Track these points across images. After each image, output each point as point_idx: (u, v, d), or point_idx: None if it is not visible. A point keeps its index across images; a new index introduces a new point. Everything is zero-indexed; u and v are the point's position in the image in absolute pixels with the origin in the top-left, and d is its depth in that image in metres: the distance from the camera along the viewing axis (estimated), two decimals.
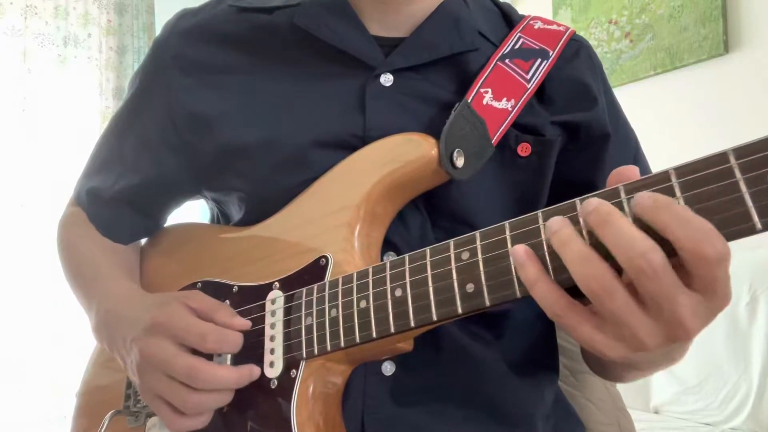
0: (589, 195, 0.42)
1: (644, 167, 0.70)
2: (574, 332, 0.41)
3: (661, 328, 0.38)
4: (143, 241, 0.79)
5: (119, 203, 0.74)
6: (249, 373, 0.56)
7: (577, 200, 0.42)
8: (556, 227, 0.40)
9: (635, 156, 0.70)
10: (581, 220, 0.40)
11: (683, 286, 0.37)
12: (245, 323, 0.57)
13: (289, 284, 0.58)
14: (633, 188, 0.40)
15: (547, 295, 0.41)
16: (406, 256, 0.50)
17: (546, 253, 0.42)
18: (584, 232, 0.40)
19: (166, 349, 0.55)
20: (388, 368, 0.59)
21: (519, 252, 0.42)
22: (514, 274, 0.44)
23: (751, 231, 0.36)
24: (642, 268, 0.36)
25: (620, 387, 0.84)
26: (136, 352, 0.57)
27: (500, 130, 0.60)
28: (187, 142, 0.68)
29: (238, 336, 0.57)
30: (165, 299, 0.60)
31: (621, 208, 0.40)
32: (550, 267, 0.42)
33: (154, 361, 0.56)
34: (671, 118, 2.28)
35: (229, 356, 0.59)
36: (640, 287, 0.37)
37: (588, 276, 0.38)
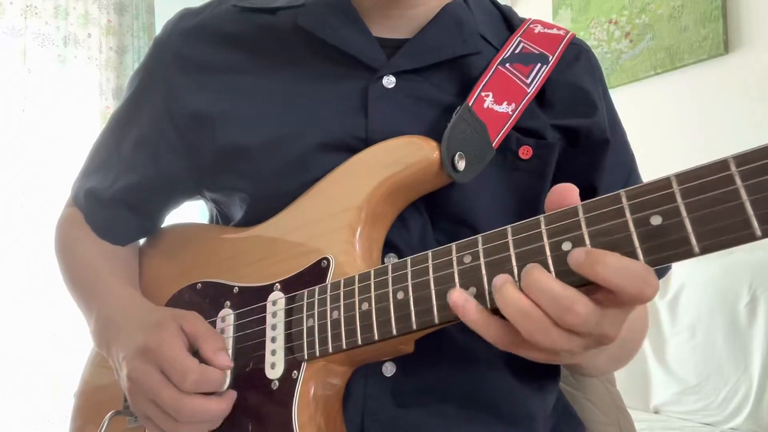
0: (591, 200, 0.42)
1: (636, 173, 0.71)
2: (519, 354, 0.46)
3: (590, 342, 0.43)
4: (142, 240, 0.79)
5: (117, 204, 0.74)
6: (233, 399, 0.57)
7: (579, 205, 0.43)
8: (498, 284, 0.44)
9: (630, 159, 0.71)
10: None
11: (606, 313, 0.42)
12: (226, 363, 0.57)
13: (290, 285, 0.58)
14: (635, 194, 0.40)
15: (497, 334, 0.45)
16: (408, 259, 0.51)
17: (548, 257, 0.43)
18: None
19: (153, 377, 0.56)
20: (389, 369, 0.59)
21: (454, 298, 0.45)
22: (517, 277, 0.44)
23: (751, 238, 0.36)
24: (571, 322, 0.41)
25: (620, 387, 0.84)
26: (126, 372, 0.58)
27: (501, 133, 0.60)
28: (188, 143, 0.68)
29: (219, 376, 0.56)
30: (162, 320, 0.59)
31: (623, 215, 0.40)
32: (553, 270, 0.43)
33: (141, 387, 0.56)
34: (671, 118, 2.28)
35: (229, 355, 0.60)
36: (571, 329, 0.42)
37: (531, 331, 0.42)
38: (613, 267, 0.39)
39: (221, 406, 0.56)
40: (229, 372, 0.59)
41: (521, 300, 0.42)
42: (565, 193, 0.44)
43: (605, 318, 0.42)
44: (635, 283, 0.39)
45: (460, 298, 0.45)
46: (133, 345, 0.58)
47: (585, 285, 0.42)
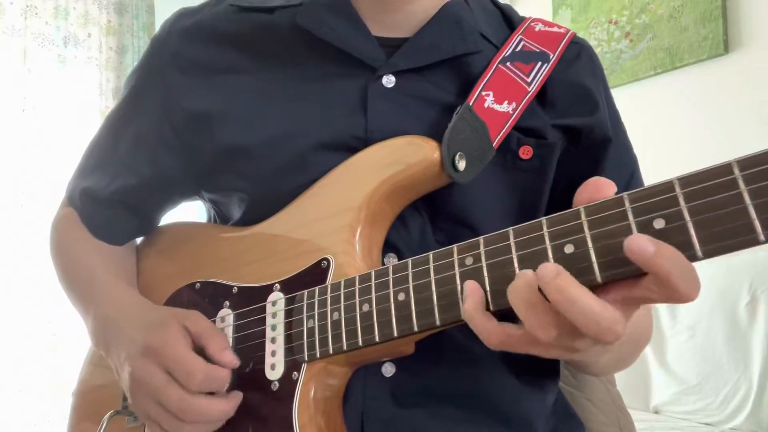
0: (594, 203, 0.42)
1: (638, 173, 0.71)
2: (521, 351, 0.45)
3: (595, 341, 0.42)
4: (139, 240, 0.79)
5: (114, 204, 0.73)
6: (239, 400, 0.57)
7: (581, 208, 0.42)
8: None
9: (632, 159, 0.71)
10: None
11: (627, 315, 0.41)
12: (233, 362, 0.57)
13: (290, 286, 0.58)
14: (637, 197, 0.40)
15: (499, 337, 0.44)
16: (410, 261, 0.50)
17: (550, 260, 0.42)
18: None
19: (157, 377, 0.55)
20: (388, 369, 0.59)
21: (468, 305, 0.44)
22: None
23: (755, 242, 0.36)
24: (608, 341, 0.40)
25: (620, 387, 0.84)
26: (128, 372, 0.58)
27: (501, 133, 0.60)
28: (186, 142, 0.68)
29: (225, 374, 0.56)
30: (165, 319, 0.59)
31: (626, 218, 0.40)
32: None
33: (145, 387, 0.56)
34: (671, 118, 2.28)
35: None
36: (596, 340, 0.41)
37: (535, 324, 0.41)
38: (675, 263, 0.37)
39: (226, 406, 0.56)
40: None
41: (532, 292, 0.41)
42: (600, 186, 0.43)
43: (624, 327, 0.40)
44: (693, 286, 0.38)
45: (471, 286, 0.45)
46: (135, 344, 0.58)
47: (595, 286, 0.41)
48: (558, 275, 0.39)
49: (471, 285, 0.45)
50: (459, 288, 0.47)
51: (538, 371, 0.65)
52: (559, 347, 0.42)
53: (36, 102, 2.88)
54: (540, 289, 0.40)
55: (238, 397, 0.57)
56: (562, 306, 0.39)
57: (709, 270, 1.93)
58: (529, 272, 0.41)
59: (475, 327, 0.44)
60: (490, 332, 0.44)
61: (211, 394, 0.56)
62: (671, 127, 2.27)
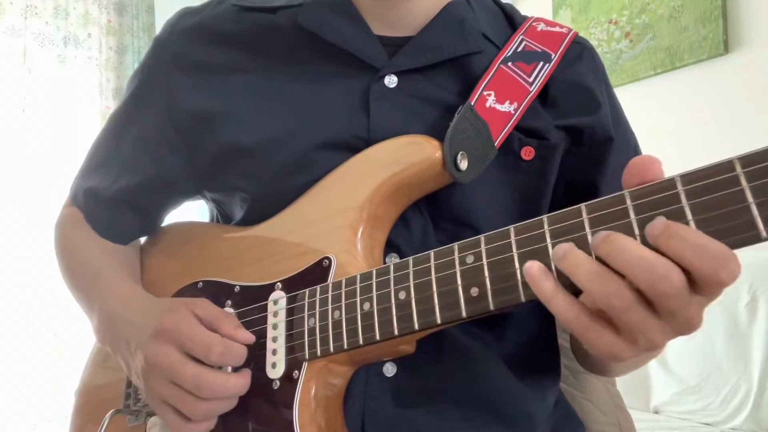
0: (595, 201, 0.42)
1: None
2: (593, 342, 0.41)
3: (672, 329, 0.40)
4: (143, 239, 0.79)
5: (117, 203, 0.74)
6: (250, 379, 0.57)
7: (582, 206, 0.42)
8: (562, 252, 0.40)
9: (635, 155, 0.71)
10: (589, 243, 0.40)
11: (694, 294, 0.38)
12: (249, 337, 0.57)
13: (291, 285, 0.58)
14: (639, 195, 0.40)
15: (567, 309, 0.41)
16: (410, 259, 0.50)
17: (551, 258, 0.42)
18: (593, 254, 0.40)
19: (172, 356, 0.55)
20: (390, 369, 0.59)
21: (533, 269, 0.42)
22: (519, 278, 0.44)
23: (757, 239, 0.36)
24: (664, 291, 0.37)
25: (620, 387, 0.84)
26: (141, 358, 0.57)
27: (503, 132, 0.60)
28: (188, 142, 0.68)
29: (243, 349, 0.56)
30: (173, 305, 0.59)
31: (627, 216, 0.40)
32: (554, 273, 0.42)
33: (159, 369, 0.56)
34: (671, 118, 2.28)
35: None
36: (658, 303, 0.38)
37: (608, 293, 0.39)
38: (691, 243, 0.37)
39: (241, 381, 0.55)
40: (229, 371, 0.59)
41: (591, 263, 0.39)
42: (645, 165, 0.41)
43: (694, 300, 0.39)
44: (712, 264, 0.36)
45: (536, 268, 0.41)
46: (146, 331, 0.58)
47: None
48: (609, 234, 0.39)
49: (536, 267, 0.41)
50: (460, 287, 0.46)
51: (539, 372, 0.65)
52: (631, 324, 0.39)
53: (36, 102, 2.88)
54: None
55: (248, 374, 0.57)
56: (616, 257, 0.38)
57: None
58: (574, 246, 0.40)
59: (557, 308, 0.41)
60: (579, 312, 0.40)
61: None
62: (671, 127, 2.27)
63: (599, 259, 0.39)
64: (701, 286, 0.38)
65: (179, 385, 0.55)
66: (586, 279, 0.39)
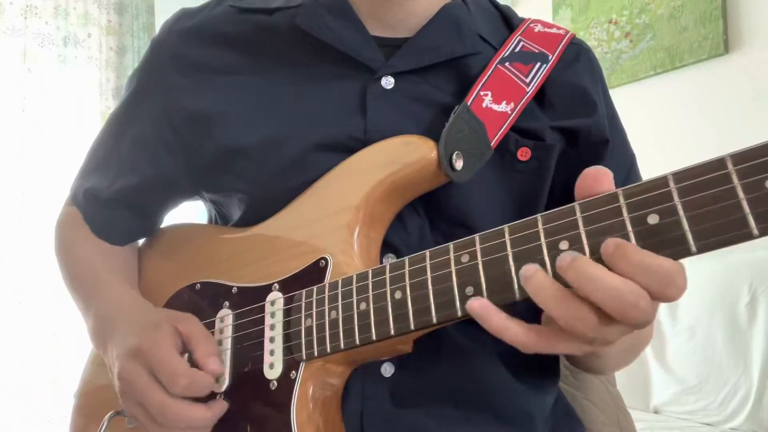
0: (589, 200, 0.42)
1: (636, 173, 0.71)
2: (551, 352, 0.44)
3: (626, 329, 0.42)
4: (141, 241, 0.79)
5: (116, 204, 0.74)
6: (223, 410, 0.57)
7: (576, 204, 0.43)
8: (528, 274, 0.42)
9: (630, 158, 0.71)
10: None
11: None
12: (218, 369, 0.57)
13: (288, 285, 0.58)
14: (631, 193, 0.40)
15: (522, 337, 0.43)
16: (406, 259, 0.51)
17: (545, 256, 0.43)
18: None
19: (142, 379, 0.55)
20: (387, 369, 0.59)
21: (474, 305, 0.43)
22: (513, 276, 0.44)
23: (748, 237, 0.36)
24: (634, 317, 0.39)
25: (620, 387, 0.84)
26: (116, 372, 0.58)
27: (499, 132, 0.60)
28: (186, 143, 0.68)
29: (209, 381, 0.56)
30: (158, 321, 0.59)
31: (620, 214, 0.40)
32: (549, 270, 0.42)
33: (129, 388, 0.56)
34: (671, 118, 2.28)
35: (228, 356, 0.59)
36: (624, 321, 0.40)
37: (572, 319, 0.40)
38: (633, 263, 0.39)
39: (206, 414, 0.56)
40: (227, 372, 0.59)
41: (554, 287, 0.41)
42: (600, 177, 0.43)
43: (654, 307, 0.41)
44: (660, 282, 0.39)
45: (477, 306, 0.43)
46: (126, 344, 0.58)
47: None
48: (574, 260, 0.40)
49: (477, 304, 0.43)
50: (455, 286, 0.47)
51: (538, 371, 0.65)
52: (595, 340, 0.41)
53: (36, 102, 2.88)
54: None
55: (221, 405, 0.57)
56: (584, 286, 0.39)
57: (708, 270, 1.94)
58: (540, 269, 0.41)
59: (511, 339, 0.43)
60: (536, 337, 0.43)
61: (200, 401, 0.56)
62: (671, 127, 2.27)
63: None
64: (654, 299, 0.40)
65: (146, 408, 0.55)
66: (551, 304, 0.41)
